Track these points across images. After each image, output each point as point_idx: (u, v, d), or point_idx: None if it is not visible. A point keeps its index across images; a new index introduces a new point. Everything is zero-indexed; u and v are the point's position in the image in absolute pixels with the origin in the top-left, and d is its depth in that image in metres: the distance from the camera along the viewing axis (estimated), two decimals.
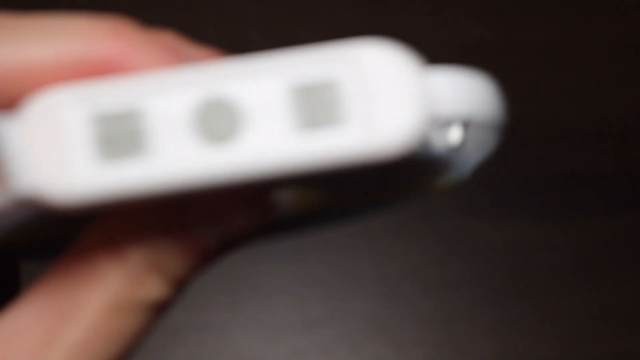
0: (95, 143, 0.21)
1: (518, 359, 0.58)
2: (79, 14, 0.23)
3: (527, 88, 0.61)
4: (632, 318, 0.58)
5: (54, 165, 0.21)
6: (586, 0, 0.62)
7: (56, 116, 0.21)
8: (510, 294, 0.59)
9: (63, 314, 0.23)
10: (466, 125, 0.23)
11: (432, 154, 0.24)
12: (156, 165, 0.21)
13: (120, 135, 0.22)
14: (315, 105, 0.22)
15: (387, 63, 0.22)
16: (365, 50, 0.22)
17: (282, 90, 0.22)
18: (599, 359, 0.58)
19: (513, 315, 0.58)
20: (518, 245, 0.59)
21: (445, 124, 0.23)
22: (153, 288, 0.23)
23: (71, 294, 0.23)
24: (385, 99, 0.21)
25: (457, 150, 0.24)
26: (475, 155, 0.25)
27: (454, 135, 0.23)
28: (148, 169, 0.21)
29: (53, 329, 0.23)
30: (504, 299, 0.59)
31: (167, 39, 0.23)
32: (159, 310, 0.23)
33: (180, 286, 0.23)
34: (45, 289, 0.23)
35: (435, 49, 0.62)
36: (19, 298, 0.23)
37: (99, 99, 0.21)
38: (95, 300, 0.23)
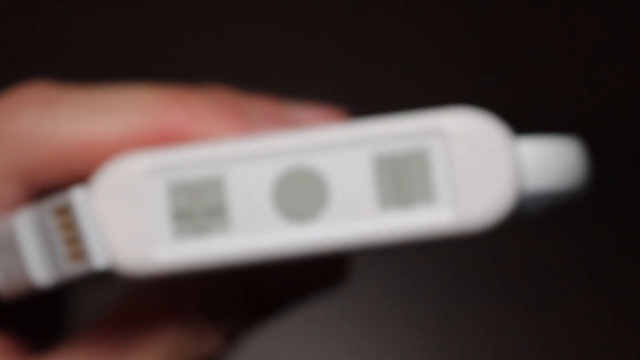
0: (171, 215, 0.21)
1: (518, 358, 0.58)
2: (140, 85, 0.22)
3: (527, 87, 0.61)
4: (632, 318, 0.58)
5: (129, 237, 0.21)
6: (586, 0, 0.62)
7: (130, 187, 0.21)
8: (510, 294, 0.59)
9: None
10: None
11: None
12: (235, 241, 0.21)
13: (197, 208, 0.21)
14: (402, 181, 0.20)
15: (477, 135, 0.20)
16: (454, 120, 0.20)
17: (367, 164, 0.20)
18: (600, 358, 0.58)
19: (513, 315, 0.58)
20: (518, 245, 0.59)
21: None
22: (211, 342, 0.23)
23: (126, 344, 0.23)
24: (475, 174, 0.20)
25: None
26: (548, 200, 0.24)
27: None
28: (227, 244, 0.21)
29: None
30: (504, 298, 0.59)
31: (227, 99, 0.23)
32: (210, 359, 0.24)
33: (236, 339, 0.23)
34: (95, 337, 0.23)
35: (435, 49, 0.62)
36: (65, 341, 0.23)
37: (174, 170, 0.21)
38: (155, 351, 0.23)
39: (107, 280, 0.23)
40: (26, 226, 0.22)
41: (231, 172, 0.21)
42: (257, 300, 0.23)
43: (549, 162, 0.22)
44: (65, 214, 0.21)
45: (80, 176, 0.23)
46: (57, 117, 0.23)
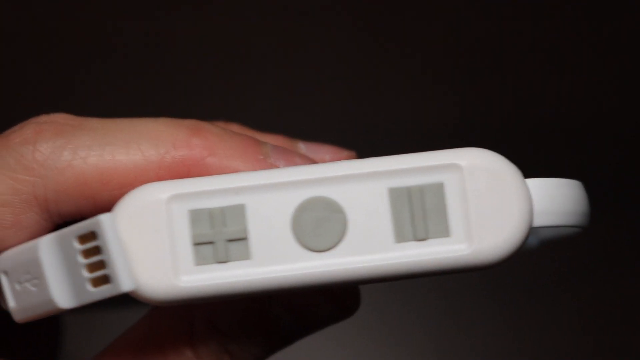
0: (193, 243, 0.22)
1: (518, 358, 0.58)
2: (158, 118, 0.23)
3: (526, 86, 0.61)
4: (633, 317, 0.58)
5: (153, 263, 0.21)
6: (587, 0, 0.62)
7: (153, 215, 0.21)
8: (510, 292, 0.59)
9: None
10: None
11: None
12: (255, 269, 0.21)
13: (218, 236, 0.21)
14: (418, 214, 0.21)
15: (491, 172, 0.21)
16: (469, 157, 0.21)
17: (384, 197, 0.21)
18: (601, 357, 0.58)
19: (514, 314, 0.59)
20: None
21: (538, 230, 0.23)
22: None
23: None
24: (489, 209, 0.21)
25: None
26: (547, 236, 0.25)
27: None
28: (247, 272, 0.21)
29: None
30: (504, 298, 0.59)
31: (242, 134, 0.23)
32: None
33: None
34: None
35: (435, 48, 0.62)
36: None
37: (196, 199, 0.22)
38: None
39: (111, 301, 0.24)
40: (50, 251, 0.22)
41: (252, 202, 0.21)
42: (270, 329, 0.24)
43: (555, 201, 0.22)
44: (91, 239, 0.22)
45: (100, 205, 0.23)
46: (78, 147, 0.23)
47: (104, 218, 0.22)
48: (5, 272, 0.23)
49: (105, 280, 0.22)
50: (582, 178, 0.25)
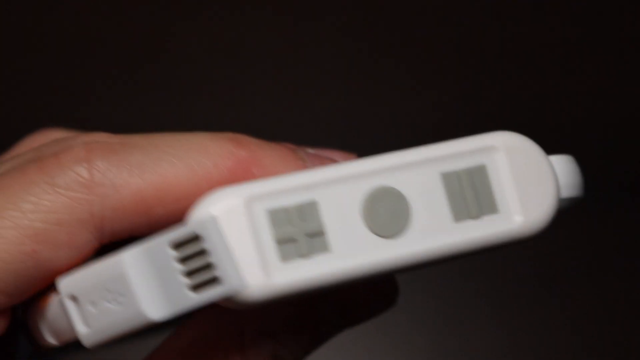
0: (276, 241, 0.22)
1: (519, 357, 0.58)
2: (200, 133, 0.24)
3: (526, 86, 0.61)
4: (633, 316, 0.58)
5: (250, 264, 0.22)
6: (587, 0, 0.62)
7: (236, 218, 0.22)
8: (510, 292, 0.59)
9: None
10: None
11: None
12: (337, 260, 0.22)
13: (297, 233, 0.22)
14: (471, 195, 0.23)
15: (522, 149, 0.23)
16: (502, 140, 0.23)
17: (439, 182, 0.23)
18: (602, 357, 0.58)
19: (514, 313, 0.59)
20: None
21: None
22: None
23: None
24: (528, 185, 0.23)
25: None
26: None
27: None
28: (329, 264, 0.22)
29: None
30: (505, 298, 0.59)
31: (274, 143, 0.24)
32: None
33: None
34: None
35: (435, 48, 0.62)
36: None
37: (270, 199, 0.22)
38: None
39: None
40: (136, 264, 0.22)
41: (323, 196, 0.23)
42: (316, 328, 0.24)
43: (571, 175, 0.25)
44: (192, 243, 0.22)
45: (153, 221, 0.24)
46: (132, 164, 0.23)
47: (209, 219, 0.22)
48: (73, 297, 0.23)
49: (210, 283, 0.22)
50: (584, 176, 0.27)
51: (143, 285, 0.22)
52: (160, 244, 0.22)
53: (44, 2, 0.61)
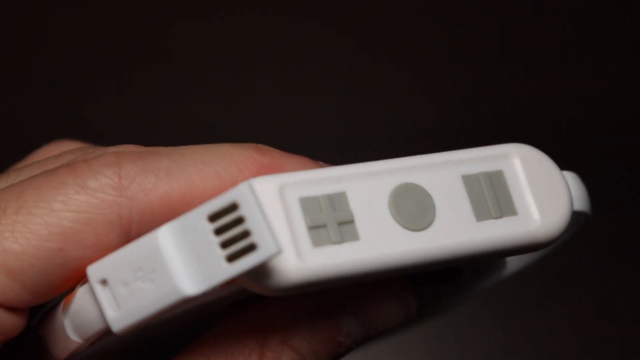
0: (308, 227, 0.23)
1: (520, 357, 0.58)
2: (224, 144, 0.25)
3: (526, 87, 0.61)
4: (634, 317, 0.59)
5: (285, 247, 0.23)
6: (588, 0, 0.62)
7: (270, 203, 0.23)
8: (510, 293, 0.59)
9: None
10: None
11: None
12: (366, 249, 0.23)
13: (328, 221, 0.23)
14: (491, 196, 0.24)
15: (537, 162, 0.24)
16: (516, 150, 0.24)
17: (460, 183, 0.24)
18: (602, 357, 0.58)
19: (514, 313, 0.59)
20: None
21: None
22: None
23: None
24: (543, 192, 0.24)
25: None
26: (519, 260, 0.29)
27: None
28: (358, 252, 0.23)
29: None
30: (505, 298, 0.59)
31: (294, 154, 0.25)
32: None
33: None
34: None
35: (435, 49, 0.62)
36: None
37: (304, 187, 0.23)
38: None
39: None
40: (170, 239, 0.23)
41: (352, 188, 0.23)
42: (338, 340, 0.24)
43: (579, 189, 0.26)
44: (230, 212, 0.22)
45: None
46: (161, 169, 0.24)
47: (247, 187, 0.22)
48: (103, 281, 0.23)
49: (246, 251, 0.22)
50: (584, 176, 0.27)
51: (177, 260, 0.23)
52: (196, 217, 0.22)
53: (44, 2, 0.61)
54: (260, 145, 0.25)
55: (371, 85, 0.61)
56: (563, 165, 0.25)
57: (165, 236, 0.23)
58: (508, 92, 0.61)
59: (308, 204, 0.23)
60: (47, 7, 0.61)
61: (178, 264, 0.23)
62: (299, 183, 0.23)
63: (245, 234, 0.22)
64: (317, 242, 0.23)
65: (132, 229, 0.24)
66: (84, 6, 0.61)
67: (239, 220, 0.22)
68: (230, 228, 0.22)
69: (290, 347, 0.24)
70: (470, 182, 0.24)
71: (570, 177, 0.26)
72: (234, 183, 0.24)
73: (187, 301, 0.23)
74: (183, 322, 0.25)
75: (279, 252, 0.22)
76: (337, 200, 0.23)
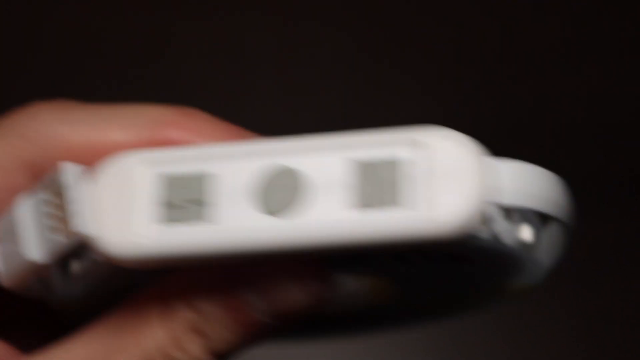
0: (159, 205, 0.22)
1: (519, 357, 0.58)
2: (154, 104, 0.26)
3: (526, 87, 0.61)
4: (634, 317, 0.58)
5: (117, 219, 0.22)
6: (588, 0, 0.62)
7: (126, 176, 0.23)
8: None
9: (109, 356, 0.24)
10: (536, 224, 0.23)
11: (502, 249, 0.23)
12: (216, 231, 0.22)
13: (184, 199, 0.22)
14: (377, 184, 0.22)
15: (450, 148, 0.21)
16: (428, 134, 0.22)
17: (346, 167, 0.22)
18: (602, 357, 0.58)
19: (514, 313, 0.59)
20: None
21: (511, 215, 0.23)
22: (190, 353, 0.24)
23: (120, 339, 0.24)
24: (445, 181, 0.21)
25: (528, 249, 0.23)
26: (547, 260, 0.25)
27: (525, 233, 0.23)
28: (208, 234, 0.22)
29: None
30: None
31: (224, 124, 0.25)
32: None
33: (226, 358, 0.24)
34: (100, 330, 0.24)
35: (435, 49, 0.62)
36: (77, 332, 0.24)
37: (167, 164, 0.23)
38: (135, 350, 0.24)
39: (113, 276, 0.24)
40: (23, 206, 0.24)
41: (217, 168, 0.22)
42: (245, 316, 0.24)
43: (521, 180, 0.23)
44: (55, 187, 0.23)
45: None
46: (73, 120, 0.25)
47: (64, 165, 0.23)
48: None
49: (75, 227, 0.23)
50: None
51: (26, 226, 0.23)
52: (36, 189, 0.24)
53: (44, 2, 0.61)
54: (188, 109, 0.25)
55: (371, 85, 0.61)
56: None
57: (19, 202, 0.24)
58: (508, 92, 0.61)
59: (163, 181, 0.22)
60: (47, 7, 0.61)
61: (27, 230, 0.23)
62: (161, 160, 0.23)
63: (61, 210, 0.23)
64: (163, 221, 0.22)
65: (36, 172, 0.25)
66: (84, 6, 0.61)
67: (58, 195, 0.23)
68: (60, 204, 0.23)
69: (191, 307, 0.24)
70: (358, 168, 0.22)
71: (516, 166, 0.23)
72: (147, 142, 0.25)
73: (38, 267, 0.23)
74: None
75: (100, 235, 0.22)
76: (196, 180, 0.22)
